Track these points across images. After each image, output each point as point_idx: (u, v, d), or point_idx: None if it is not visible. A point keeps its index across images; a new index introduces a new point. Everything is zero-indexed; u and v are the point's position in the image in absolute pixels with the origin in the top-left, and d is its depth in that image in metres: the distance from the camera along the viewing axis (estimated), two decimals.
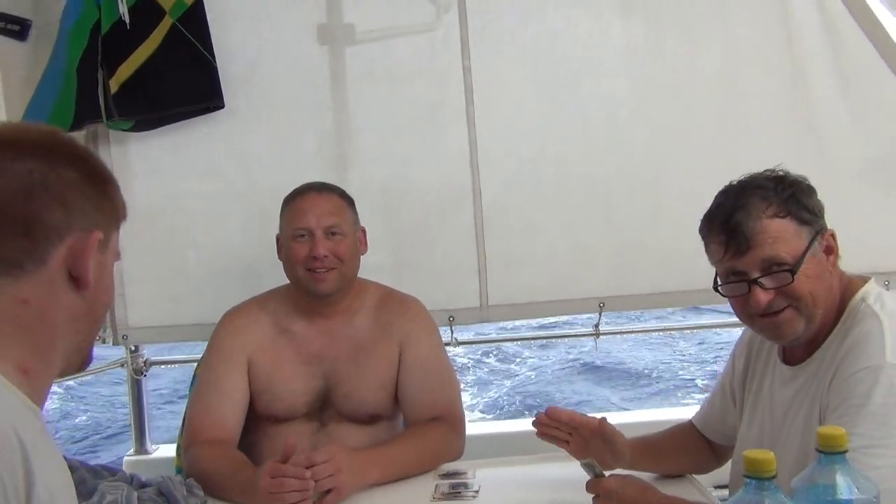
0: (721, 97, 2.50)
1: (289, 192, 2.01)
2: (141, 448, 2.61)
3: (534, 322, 4.17)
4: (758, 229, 1.39)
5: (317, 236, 1.89)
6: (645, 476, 1.64)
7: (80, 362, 1.01)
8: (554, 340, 7.37)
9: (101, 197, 0.96)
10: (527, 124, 2.47)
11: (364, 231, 2.04)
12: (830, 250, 1.44)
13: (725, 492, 1.74)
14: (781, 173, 1.47)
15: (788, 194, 1.42)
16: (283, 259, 1.98)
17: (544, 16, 2.48)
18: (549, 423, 1.65)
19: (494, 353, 8.99)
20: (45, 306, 0.91)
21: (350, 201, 2.00)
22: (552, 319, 3.67)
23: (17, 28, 2.31)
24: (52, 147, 0.94)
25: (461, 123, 2.44)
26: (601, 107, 2.49)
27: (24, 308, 0.90)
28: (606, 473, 1.52)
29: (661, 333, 8.06)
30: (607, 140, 2.50)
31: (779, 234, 1.40)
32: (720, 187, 1.50)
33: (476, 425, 2.37)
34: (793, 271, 1.38)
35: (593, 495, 1.50)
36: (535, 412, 1.72)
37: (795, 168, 1.48)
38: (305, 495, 1.57)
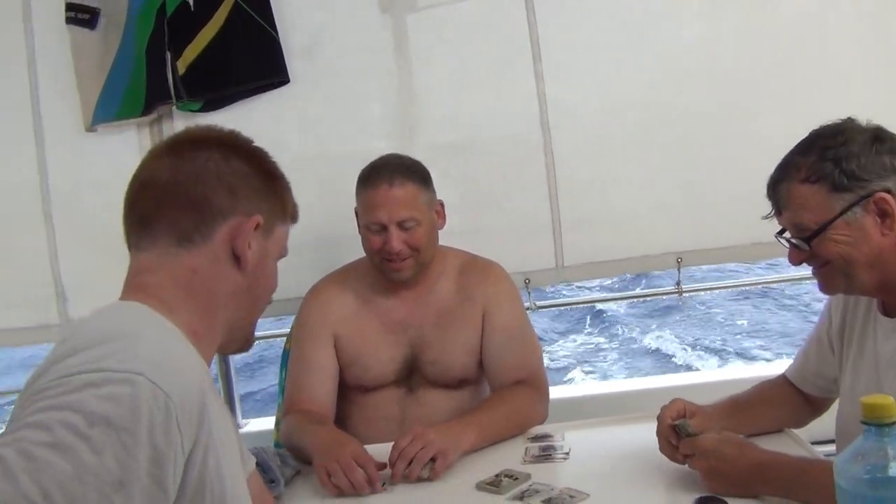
0: (804, 43, 2.37)
1: (358, 160, 1.99)
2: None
3: None
4: (787, 193, 1.41)
5: (390, 231, 1.87)
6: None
7: (241, 340, 1.14)
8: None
9: (267, 191, 1.09)
10: (597, 77, 2.40)
11: (442, 204, 2.01)
12: (885, 214, 1.36)
13: (823, 448, 1.68)
14: (845, 125, 1.40)
15: (829, 156, 1.37)
16: (361, 237, 1.97)
17: None
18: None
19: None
20: (211, 277, 1.04)
21: (425, 180, 1.95)
22: None
23: (87, 17, 2.35)
24: (230, 143, 1.09)
25: (529, 80, 2.38)
26: (676, 56, 2.39)
27: (194, 276, 1.03)
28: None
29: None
30: (683, 90, 2.40)
31: (804, 199, 1.39)
32: (801, 138, 1.45)
33: (559, 388, 2.34)
34: (810, 238, 1.39)
35: (688, 455, 1.46)
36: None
37: (881, 119, 1.41)
38: (346, 490, 1.57)
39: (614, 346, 8.41)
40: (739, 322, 8.93)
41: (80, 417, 0.80)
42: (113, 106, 2.36)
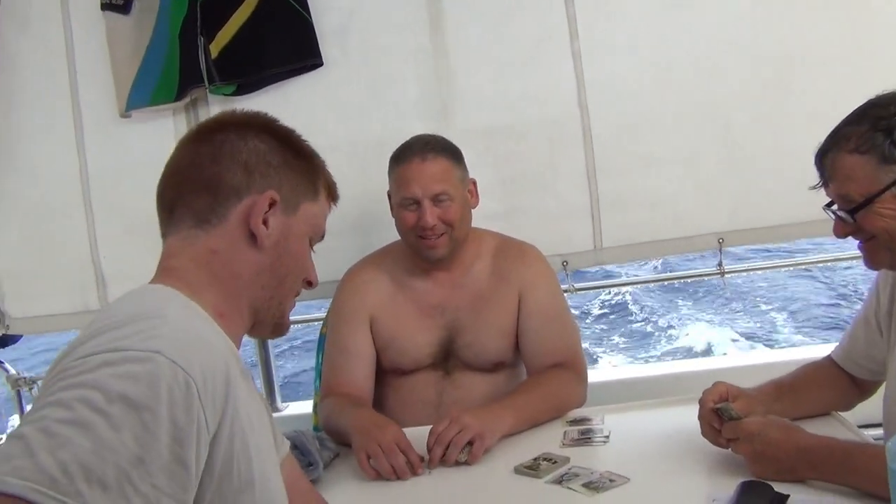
0: (851, 17, 2.28)
1: (392, 143, 1.99)
2: (272, 405, 2.70)
3: None
4: (834, 164, 1.37)
5: (424, 205, 1.86)
6: None
7: (271, 323, 1.12)
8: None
9: (288, 168, 1.08)
10: (636, 55, 2.33)
11: (474, 182, 2.00)
12: None
13: (870, 431, 1.64)
14: None
15: (881, 127, 1.32)
16: (395, 219, 1.97)
17: None
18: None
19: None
20: (231, 258, 1.05)
21: (456, 157, 1.95)
22: None
23: (121, 2, 2.37)
24: (249, 123, 1.09)
25: (567, 59, 2.33)
26: (716, 32, 2.32)
27: (214, 257, 1.04)
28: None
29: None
30: (724, 67, 2.33)
31: (851, 171, 1.35)
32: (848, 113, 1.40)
33: (598, 371, 2.31)
34: (856, 211, 1.35)
35: (731, 439, 1.43)
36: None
37: None
38: (386, 473, 1.57)
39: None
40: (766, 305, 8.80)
41: (99, 394, 0.80)
42: (147, 91, 2.37)
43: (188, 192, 1.05)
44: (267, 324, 1.11)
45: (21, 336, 2.73)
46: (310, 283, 1.16)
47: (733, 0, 2.32)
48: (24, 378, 2.69)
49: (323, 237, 1.17)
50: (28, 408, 2.61)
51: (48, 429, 0.78)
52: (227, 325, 1.03)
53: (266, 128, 1.10)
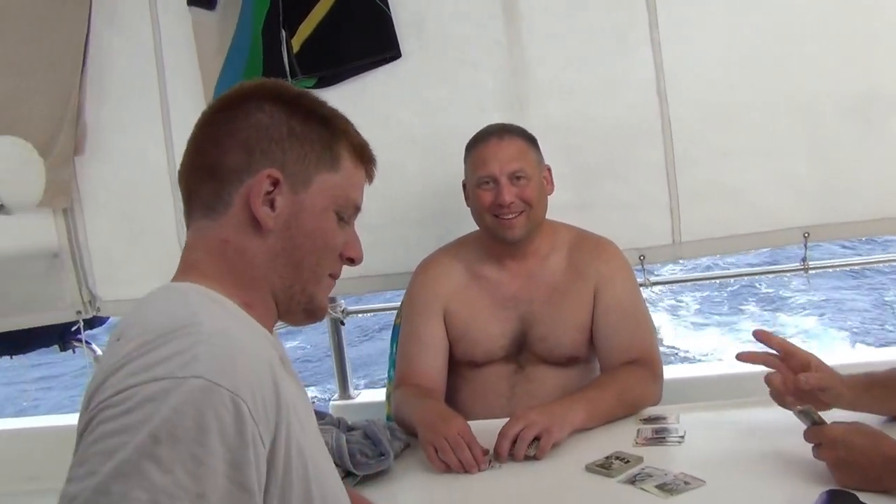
0: None
1: (468, 135, 1.99)
2: (345, 393, 2.74)
3: None
4: None
5: (501, 183, 1.87)
6: (872, 420, 1.49)
7: (300, 310, 1.03)
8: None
9: (293, 138, 0.97)
10: (719, 43, 2.26)
11: (549, 169, 2.00)
12: None
13: None
14: None
15: None
16: (471, 206, 1.97)
17: None
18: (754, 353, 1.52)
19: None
20: (242, 246, 0.97)
21: (532, 141, 1.96)
22: None
23: None
24: (252, 95, 0.99)
25: (646, 48, 2.27)
26: (803, 20, 2.22)
27: (227, 247, 0.97)
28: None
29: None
30: (810, 56, 2.24)
31: None
32: None
33: (672, 368, 2.27)
34: None
35: (814, 444, 1.38)
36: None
37: None
38: (454, 467, 1.57)
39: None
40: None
41: (144, 438, 0.75)
42: (232, 85, 2.42)
43: (195, 180, 0.98)
44: (295, 311, 1.03)
45: (109, 318, 2.85)
46: (351, 260, 1.06)
47: None
48: None
49: (358, 208, 1.05)
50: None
51: (101, 488, 0.74)
52: (256, 315, 0.97)
53: (272, 97, 0.99)
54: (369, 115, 2.43)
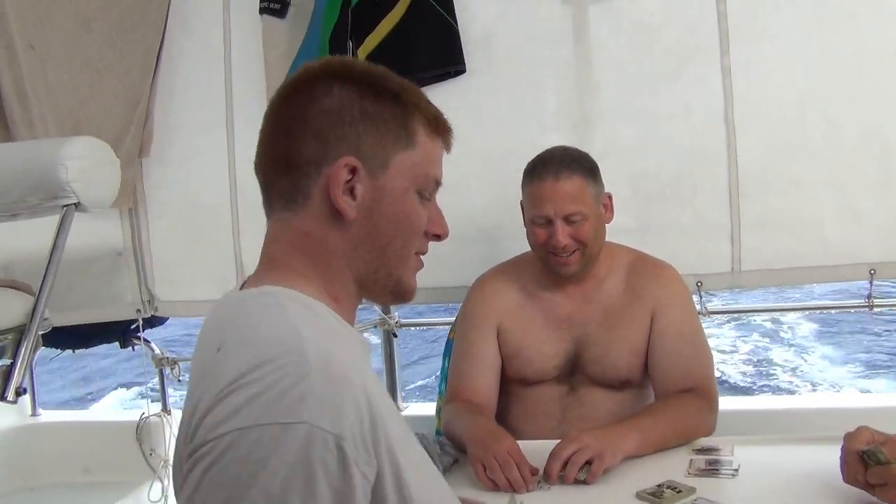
0: None
1: (529, 154, 1.97)
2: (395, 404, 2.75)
3: None
4: None
5: (556, 225, 1.84)
6: None
7: (388, 292, 1.01)
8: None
9: (365, 119, 0.92)
10: (790, 72, 2.23)
11: (609, 197, 1.96)
12: None
13: None
14: None
15: None
16: (527, 231, 1.96)
17: None
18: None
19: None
20: (324, 237, 0.94)
21: (592, 173, 1.89)
22: None
23: (278, 7, 2.48)
24: (317, 78, 0.94)
25: (715, 75, 2.26)
26: (874, 52, 2.18)
27: (309, 240, 0.94)
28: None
29: None
30: (880, 89, 2.20)
31: None
32: None
33: (727, 399, 2.22)
34: None
35: (877, 484, 1.33)
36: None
37: None
38: (502, 486, 1.55)
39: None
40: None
41: (256, 493, 0.73)
42: None
43: (271, 172, 0.96)
44: (382, 294, 1.00)
45: (167, 318, 2.92)
46: (437, 236, 1.02)
47: (893, 21, 2.18)
48: (168, 358, 2.86)
49: (439, 183, 1.01)
50: (168, 387, 2.81)
51: None
52: (342, 308, 0.96)
53: (339, 77, 0.94)
54: None
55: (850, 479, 1.40)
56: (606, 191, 1.95)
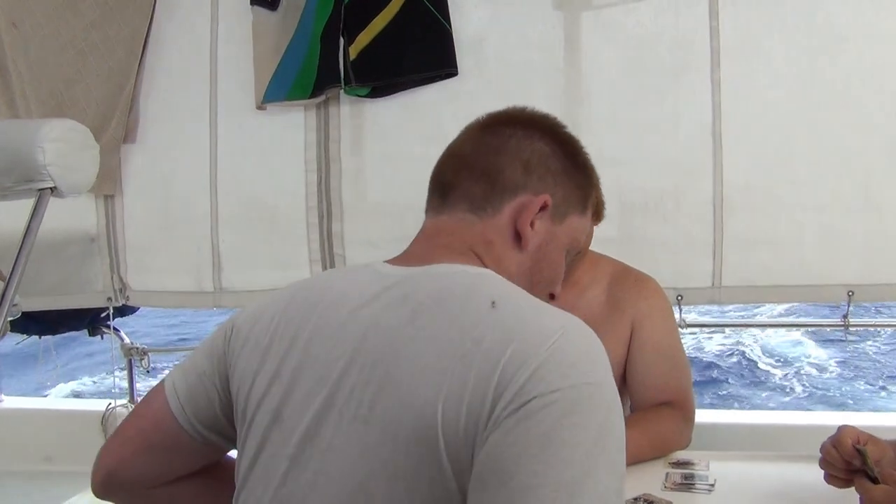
0: None
1: None
2: None
3: None
4: None
5: None
6: None
7: None
8: None
9: (566, 176, 1.05)
10: (779, 91, 2.25)
11: None
12: None
13: None
14: None
15: None
16: None
17: None
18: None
19: None
20: (502, 252, 1.02)
21: None
22: None
23: None
24: (538, 123, 1.08)
25: (705, 90, 2.27)
26: (869, 74, 2.21)
27: (490, 248, 1.01)
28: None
29: None
30: (867, 112, 2.23)
31: None
32: None
33: (702, 412, 2.22)
34: None
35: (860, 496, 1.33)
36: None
37: None
38: None
39: None
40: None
41: (596, 434, 0.78)
42: (284, 86, 2.44)
43: (467, 177, 1.03)
44: None
45: (138, 308, 2.86)
46: (552, 297, 1.11)
47: (885, 46, 2.21)
48: (137, 348, 2.81)
49: (579, 253, 1.16)
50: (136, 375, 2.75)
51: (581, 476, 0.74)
52: None
53: (552, 132, 1.07)
54: (420, 129, 2.45)
55: (833, 480, 1.40)
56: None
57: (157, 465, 1.06)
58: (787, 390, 7.86)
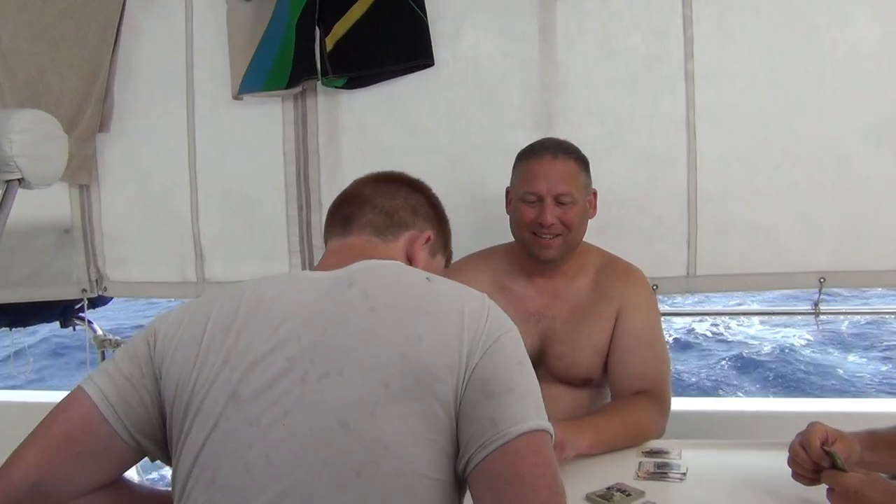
0: None
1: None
2: None
3: None
4: None
5: (546, 203, 1.85)
6: None
7: None
8: None
9: (436, 223, 1.37)
10: (753, 80, 2.26)
11: (595, 194, 1.98)
12: None
13: None
14: None
15: None
16: (511, 215, 1.96)
17: None
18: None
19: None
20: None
21: (585, 164, 1.94)
22: None
23: None
24: (416, 184, 1.39)
25: (679, 79, 2.28)
26: (840, 64, 2.23)
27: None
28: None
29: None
30: (840, 100, 2.25)
31: None
32: None
33: (679, 400, 2.24)
34: None
35: (828, 488, 1.35)
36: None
37: None
38: None
39: None
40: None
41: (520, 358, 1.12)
42: (260, 77, 2.42)
43: (369, 211, 1.31)
44: None
45: (111, 298, 2.84)
46: None
47: (858, 34, 2.23)
48: (110, 339, 2.79)
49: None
50: None
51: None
52: None
53: (426, 191, 1.39)
54: (397, 121, 2.45)
55: (799, 477, 1.42)
56: (594, 189, 1.98)
57: (84, 473, 1.06)
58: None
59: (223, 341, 1.06)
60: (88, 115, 2.50)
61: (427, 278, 1.15)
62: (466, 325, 1.07)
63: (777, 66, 2.26)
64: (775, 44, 2.26)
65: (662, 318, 2.09)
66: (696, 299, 2.87)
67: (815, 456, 1.40)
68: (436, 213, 1.38)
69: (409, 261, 1.29)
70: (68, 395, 1.08)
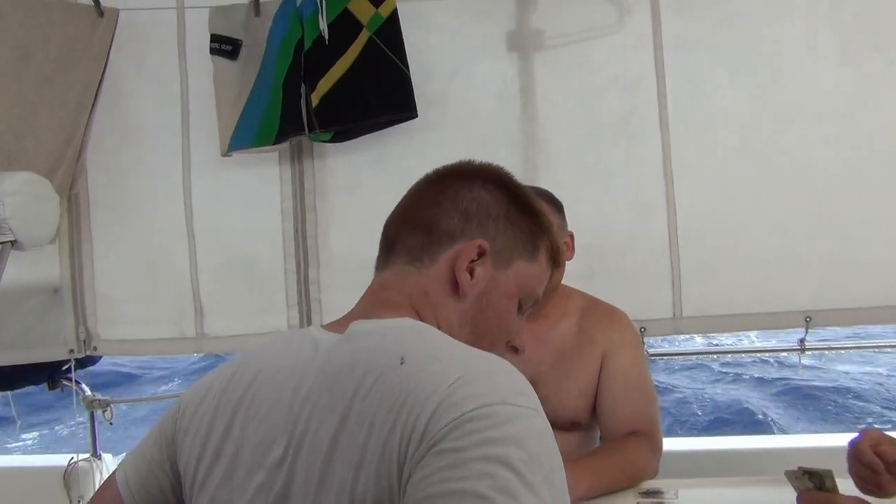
0: None
1: None
2: None
3: None
4: None
5: None
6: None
7: None
8: None
9: (509, 222, 1.04)
10: (726, 127, 2.35)
11: (571, 236, 2.01)
12: None
13: None
14: None
15: None
16: None
17: (745, 15, 2.34)
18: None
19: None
20: (439, 301, 1.01)
21: (559, 208, 1.98)
22: None
23: (230, 48, 2.47)
24: (480, 173, 1.07)
25: (654, 129, 2.37)
26: (813, 104, 2.31)
27: (426, 299, 1.01)
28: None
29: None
30: (819, 141, 2.32)
31: None
32: None
33: (672, 441, 2.25)
34: None
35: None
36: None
37: None
38: None
39: None
40: None
41: (521, 452, 0.83)
42: (249, 134, 2.45)
43: (407, 229, 1.04)
44: None
45: (100, 358, 2.82)
46: (515, 350, 1.10)
47: (831, 72, 2.31)
48: (99, 400, 2.76)
49: (536, 303, 1.11)
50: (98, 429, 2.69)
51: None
52: None
53: (495, 179, 1.06)
54: (389, 179, 2.50)
55: (864, 486, 1.40)
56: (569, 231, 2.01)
57: None
58: None
59: (217, 435, 0.96)
60: (60, 176, 2.47)
61: (402, 359, 0.85)
62: (400, 425, 0.80)
63: (750, 110, 2.34)
64: (747, 90, 2.35)
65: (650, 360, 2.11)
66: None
67: (866, 462, 1.38)
68: (505, 208, 1.03)
69: (459, 290, 1.00)
70: (106, 479, 1.09)
